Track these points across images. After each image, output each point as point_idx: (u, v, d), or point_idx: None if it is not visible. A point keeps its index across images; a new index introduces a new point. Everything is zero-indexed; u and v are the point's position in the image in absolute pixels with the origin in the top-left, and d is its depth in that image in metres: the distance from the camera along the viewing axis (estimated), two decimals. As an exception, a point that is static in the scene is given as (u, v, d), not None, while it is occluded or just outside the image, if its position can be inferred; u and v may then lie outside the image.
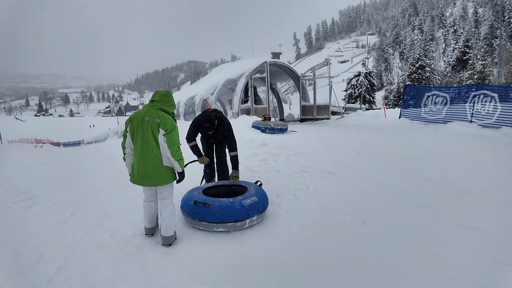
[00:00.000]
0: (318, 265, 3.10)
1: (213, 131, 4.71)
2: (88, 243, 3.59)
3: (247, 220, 3.84)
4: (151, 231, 3.82)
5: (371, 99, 38.57)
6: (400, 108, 12.76)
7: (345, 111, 16.10)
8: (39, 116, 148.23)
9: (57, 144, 36.10)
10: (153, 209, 3.76)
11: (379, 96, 49.12)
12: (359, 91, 37.50)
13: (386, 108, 19.81)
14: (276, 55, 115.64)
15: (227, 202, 3.85)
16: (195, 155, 4.95)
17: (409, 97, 12.27)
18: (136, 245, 3.60)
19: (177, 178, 3.65)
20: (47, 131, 67.39)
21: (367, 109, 19.34)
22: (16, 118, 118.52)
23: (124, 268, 3.13)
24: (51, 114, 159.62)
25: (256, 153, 7.23)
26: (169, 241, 3.58)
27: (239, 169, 4.90)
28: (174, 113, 3.68)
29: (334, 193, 4.93)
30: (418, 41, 63.24)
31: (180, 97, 18.35)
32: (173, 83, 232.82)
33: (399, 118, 12.03)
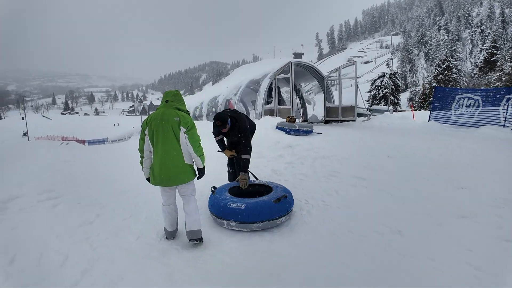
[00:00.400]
0: (352, 278, 2.91)
1: (227, 130, 4.78)
2: (113, 246, 3.52)
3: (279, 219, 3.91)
4: (172, 235, 3.77)
5: (396, 101, 37.72)
6: (429, 111, 12.29)
7: (371, 113, 15.66)
8: (65, 114, 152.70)
9: (82, 142, 36.98)
10: (173, 211, 3.73)
11: (403, 97, 48.00)
12: (384, 92, 36.75)
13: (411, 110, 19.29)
14: (298, 55, 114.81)
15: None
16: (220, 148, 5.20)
17: (439, 99, 11.80)
18: (161, 249, 3.50)
19: (197, 174, 3.66)
20: (72, 129, 69.30)
21: (394, 111, 18.78)
22: (43, 116, 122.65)
23: (150, 274, 3.03)
24: (77, 113, 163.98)
25: (281, 155, 7.05)
26: (196, 235, 3.52)
27: (248, 172, 4.79)
28: (188, 111, 3.72)
29: (366, 200, 4.69)
30: (445, 42, 61.44)
31: (203, 97, 18.37)
32: (195, 83, 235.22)
33: (428, 121, 11.59)
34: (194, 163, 3.62)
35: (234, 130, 4.82)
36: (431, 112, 11.79)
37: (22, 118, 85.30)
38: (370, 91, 39.29)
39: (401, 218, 4.02)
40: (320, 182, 5.44)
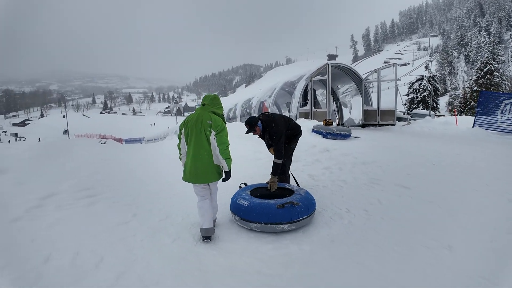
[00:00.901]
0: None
1: (258, 135, 4.84)
2: (149, 248, 3.44)
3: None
4: (209, 233, 3.69)
5: (435, 105, 36.15)
6: (472, 116, 11.59)
7: (411, 117, 15.02)
8: (104, 113, 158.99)
9: (120, 141, 38.20)
10: (209, 207, 3.78)
11: (442, 101, 45.99)
12: (422, 96, 35.36)
13: (453, 115, 18.35)
14: (332, 57, 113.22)
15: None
16: None
17: (483, 105, 11.09)
18: (198, 254, 3.38)
19: (223, 176, 3.83)
20: (111, 128, 71.82)
21: (436, 116, 17.93)
22: (83, 115, 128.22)
23: (187, 281, 2.90)
24: (115, 112, 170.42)
25: (318, 160, 6.81)
26: (208, 233, 3.65)
27: (277, 176, 4.69)
28: (223, 115, 3.94)
29: (412, 211, 4.35)
30: (486, 44, 58.27)
31: (236, 99, 18.40)
32: (229, 85, 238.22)
33: (472, 126, 10.92)
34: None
35: (266, 133, 4.80)
36: (476, 118, 11.12)
37: (63, 117, 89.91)
38: (407, 95, 37.89)
39: (451, 232, 3.69)
40: (361, 190, 5.14)
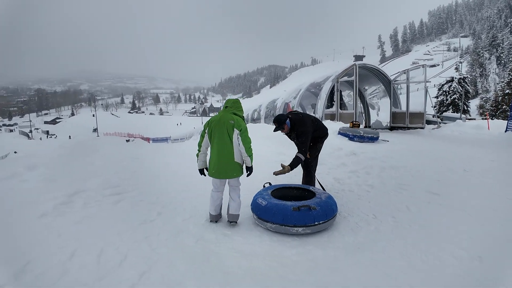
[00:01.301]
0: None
1: (286, 132, 4.89)
2: (172, 248, 3.44)
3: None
4: (216, 218, 4.22)
5: (466, 108, 34.81)
6: (506, 120, 11.07)
7: (441, 120, 14.53)
8: (132, 113, 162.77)
9: (147, 140, 39.02)
10: (219, 199, 4.25)
11: (473, 104, 44.25)
12: (452, 98, 34.17)
13: (484, 118, 17.58)
14: (359, 57, 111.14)
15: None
16: None
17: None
18: (221, 255, 3.36)
19: (247, 172, 4.21)
20: (138, 127, 73.44)
21: (467, 119, 17.26)
22: (112, 114, 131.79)
23: (209, 283, 2.87)
24: (143, 112, 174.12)
25: (344, 163, 6.66)
26: (234, 219, 4.12)
27: (291, 169, 4.59)
28: (243, 116, 4.33)
29: (441, 219, 4.15)
30: (519, 45, 55.46)
31: (261, 100, 18.36)
32: (253, 86, 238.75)
33: (505, 131, 10.42)
34: (244, 161, 4.13)
35: (293, 132, 4.85)
36: (508, 122, 10.59)
37: (93, 115, 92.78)
38: (437, 97, 36.66)
39: (481, 243, 3.49)
40: (389, 195, 4.98)
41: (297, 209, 3.80)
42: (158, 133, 53.12)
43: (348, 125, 9.38)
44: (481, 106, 44.51)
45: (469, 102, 37.12)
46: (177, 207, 4.62)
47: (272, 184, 4.79)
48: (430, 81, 14.68)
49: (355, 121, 9.09)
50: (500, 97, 37.20)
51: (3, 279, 2.54)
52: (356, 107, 12.72)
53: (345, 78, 12.84)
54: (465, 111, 33.97)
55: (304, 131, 4.71)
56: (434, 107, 34.18)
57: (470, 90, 39.70)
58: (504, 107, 35.85)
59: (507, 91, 37.06)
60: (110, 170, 6.05)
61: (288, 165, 4.53)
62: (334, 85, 12.47)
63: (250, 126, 8.32)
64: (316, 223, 3.81)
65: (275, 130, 4.92)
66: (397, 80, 14.34)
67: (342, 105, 13.79)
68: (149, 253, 3.27)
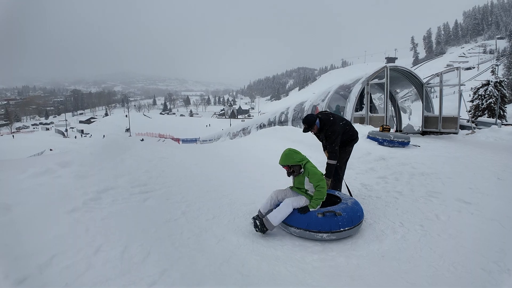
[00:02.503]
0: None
1: (315, 132, 4.82)
2: (194, 248, 3.46)
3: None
4: (261, 216, 4.00)
5: (502, 113, 33.14)
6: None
7: (476, 125, 13.91)
8: (163, 114, 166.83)
9: (177, 140, 39.84)
10: (273, 203, 4.14)
11: (510, 109, 42.10)
12: (488, 102, 32.65)
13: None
14: (391, 60, 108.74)
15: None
16: None
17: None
18: (241, 257, 3.34)
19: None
20: (169, 128, 74.99)
21: (503, 125, 16.42)
22: (144, 115, 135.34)
23: (228, 284, 2.86)
24: (174, 113, 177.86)
25: (372, 168, 6.49)
26: (269, 227, 3.85)
27: (331, 178, 4.73)
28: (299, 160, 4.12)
29: (472, 229, 3.95)
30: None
31: (289, 102, 18.26)
32: (282, 89, 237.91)
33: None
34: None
35: (322, 132, 4.78)
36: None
37: (126, 116, 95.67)
38: (472, 101, 35.21)
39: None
40: (418, 203, 4.79)
41: (322, 214, 3.75)
42: (188, 134, 54.13)
43: (378, 129, 9.16)
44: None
45: (506, 107, 35.32)
46: (201, 207, 4.66)
47: None
48: (464, 84, 14.11)
49: (386, 125, 8.84)
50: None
51: (26, 271, 2.61)
52: (387, 110, 12.41)
53: (376, 81, 12.55)
54: (502, 116, 32.37)
55: (334, 130, 4.65)
56: (469, 111, 32.76)
57: (507, 94, 37.85)
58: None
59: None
60: (139, 169, 6.18)
61: (325, 175, 4.46)
62: (364, 87, 12.23)
63: (276, 129, 8.26)
64: (342, 229, 3.74)
65: (304, 131, 4.87)
66: (430, 83, 13.86)
67: (372, 108, 13.50)
68: (171, 251, 3.30)
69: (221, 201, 4.94)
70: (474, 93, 35.58)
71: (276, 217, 3.84)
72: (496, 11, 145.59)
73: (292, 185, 4.26)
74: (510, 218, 4.13)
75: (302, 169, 4.03)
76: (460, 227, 4.00)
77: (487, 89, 33.37)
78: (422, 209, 4.55)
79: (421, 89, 13.86)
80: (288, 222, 3.88)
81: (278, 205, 4.03)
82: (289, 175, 4.23)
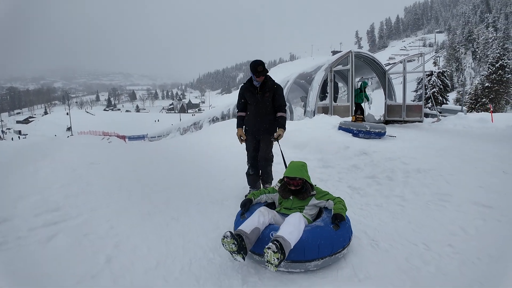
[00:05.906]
0: None
1: (259, 85, 4.33)
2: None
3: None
4: None
5: (444, 101, 34.69)
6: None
7: (440, 113, 13.54)
8: (107, 110, 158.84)
9: (123, 138, 37.06)
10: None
11: (451, 98, 44.58)
12: (432, 91, 33.94)
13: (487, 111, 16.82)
14: (336, 53, 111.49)
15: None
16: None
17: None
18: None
19: None
20: (114, 125, 70.92)
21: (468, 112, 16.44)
22: (87, 112, 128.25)
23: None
24: (119, 109, 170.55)
25: (355, 166, 5.41)
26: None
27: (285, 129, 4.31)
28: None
29: (508, 241, 2.99)
30: (496, 39, 56.39)
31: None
32: (232, 82, 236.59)
33: (513, 124, 9.48)
34: None
35: (268, 84, 4.33)
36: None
37: (67, 114, 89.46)
38: (416, 91, 36.74)
39: None
40: (430, 211, 3.70)
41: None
42: (135, 131, 51.24)
43: (349, 119, 8.17)
44: (458, 100, 45.01)
45: (448, 96, 37.16)
46: (137, 245, 3.22)
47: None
48: (427, 72, 13.72)
49: (359, 115, 7.87)
50: (480, 90, 37.50)
51: None
52: (353, 99, 11.52)
53: (340, 67, 11.64)
54: (444, 104, 33.80)
55: (282, 94, 4.49)
56: (413, 100, 33.93)
57: (449, 84, 39.72)
58: (483, 100, 36.15)
59: (486, 84, 37.48)
60: (55, 183, 4.59)
61: (279, 128, 4.25)
62: (327, 75, 11.21)
63: (233, 122, 7.01)
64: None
65: (240, 103, 4.54)
66: (392, 70, 13.27)
67: (336, 98, 12.57)
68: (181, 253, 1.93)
69: (169, 230, 3.44)
70: (418, 83, 36.99)
71: (292, 234, 2.54)
72: (436, 7, 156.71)
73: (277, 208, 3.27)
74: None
75: (315, 191, 3.21)
76: (498, 243, 2.98)
77: (430, 79, 34.59)
78: (440, 220, 3.47)
79: (383, 77, 13.22)
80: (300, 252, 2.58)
81: (267, 226, 2.82)
82: (291, 194, 3.20)
